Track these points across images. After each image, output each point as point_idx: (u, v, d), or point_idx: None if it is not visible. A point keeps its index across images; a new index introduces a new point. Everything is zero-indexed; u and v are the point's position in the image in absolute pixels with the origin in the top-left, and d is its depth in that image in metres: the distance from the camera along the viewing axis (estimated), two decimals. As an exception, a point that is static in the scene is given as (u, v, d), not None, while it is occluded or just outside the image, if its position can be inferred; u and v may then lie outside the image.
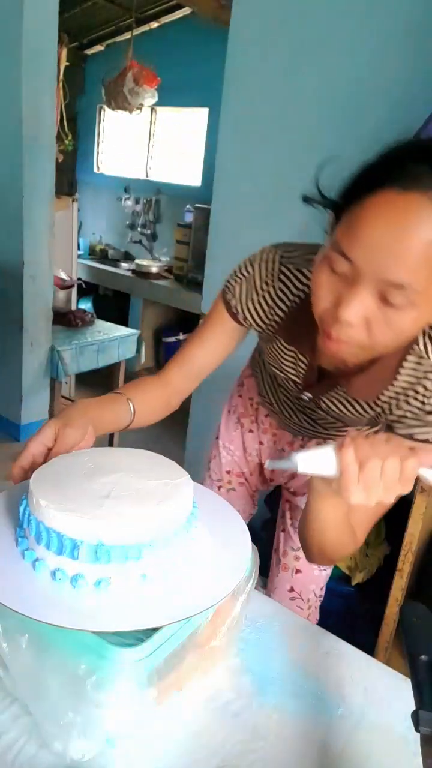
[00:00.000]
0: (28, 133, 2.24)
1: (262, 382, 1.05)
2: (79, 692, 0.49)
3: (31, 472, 0.62)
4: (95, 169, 5.07)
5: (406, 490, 0.61)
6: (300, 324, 0.81)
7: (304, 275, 0.81)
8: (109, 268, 4.39)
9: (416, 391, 0.74)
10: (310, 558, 0.85)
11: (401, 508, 1.03)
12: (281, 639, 0.76)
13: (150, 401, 0.91)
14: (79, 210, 3.31)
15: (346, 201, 0.63)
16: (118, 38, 4.40)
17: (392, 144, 0.62)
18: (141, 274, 4.17)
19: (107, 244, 4.98)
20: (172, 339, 4.35)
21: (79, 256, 3.79)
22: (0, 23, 2.14)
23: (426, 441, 0.74)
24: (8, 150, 2.27)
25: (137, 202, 4.74)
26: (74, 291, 3.23)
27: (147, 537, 0.55)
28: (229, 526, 0.68)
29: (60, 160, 2.94)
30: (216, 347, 0.93)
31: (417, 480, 0.62)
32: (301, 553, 1.06)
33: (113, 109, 3.64)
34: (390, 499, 0.61)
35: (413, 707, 0.50)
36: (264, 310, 0.85)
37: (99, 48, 4.64)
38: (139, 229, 4.78)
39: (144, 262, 4.24)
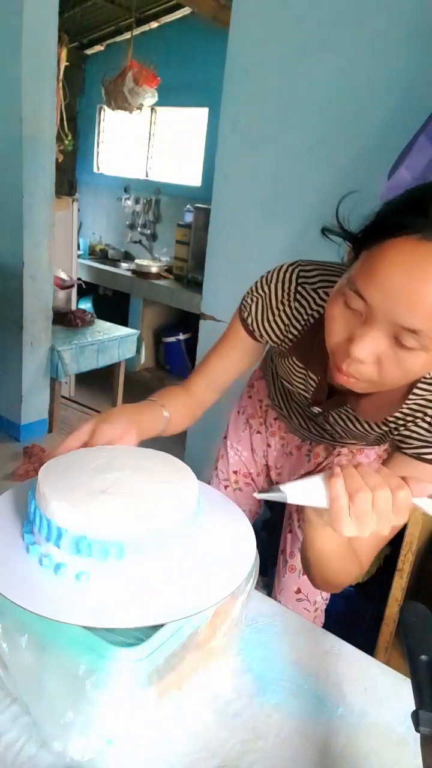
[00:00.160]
0: (28, 133, 2.24)
1: (273, 387, 1.06)
2: (78, 692, 0.49)
3: None
4: (95, 169, 5.07)
5: (401, 521, 0.60)
6: (313, 344, 0.81)
7: (319, 296, 0.81)
8: (109, 268, 4.39)
9: (425, 414, 0.74)
10: (315, 585, 0.83)
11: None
12: (281, 639, 0.76)
13: (180, 410, 0.93)
14: (79, 210, 3.31)
15: (367, 240, 0.62)
16: (118, 38, 4.41)
17: (418, 187, 0.61)
18: (141, 274, 4.17)
19: (107, 244, 4.98)
20: (172, 339, 4.36)
21: (79, 256, 3.80)
22: (0, 23, 2.14)
23: None
24: (8, 150, 2.27)
25: (137, 202, 4.74)
26: (74, 291, 3.23)
27: (137, 534, 0.55)
28: (233, 526, 0.68)
29: (60, 160, 2.94)
30: (236, 362, 0.95)
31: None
32: None
33: (113, 109, 3.64)
34: (385, 530, 0.60)
35: (413, 707, 0.50)
36: (280, 328, 0.86)
37: (99, 48, 4.65)
38: (139, 229, 4.78)
39: (144, 262, 4.25)
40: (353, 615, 1.55)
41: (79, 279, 3.38)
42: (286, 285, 0.83)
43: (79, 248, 3.84)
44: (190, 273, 4.04)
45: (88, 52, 4.73)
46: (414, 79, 1.46)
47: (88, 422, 0.76)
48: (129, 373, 3.91)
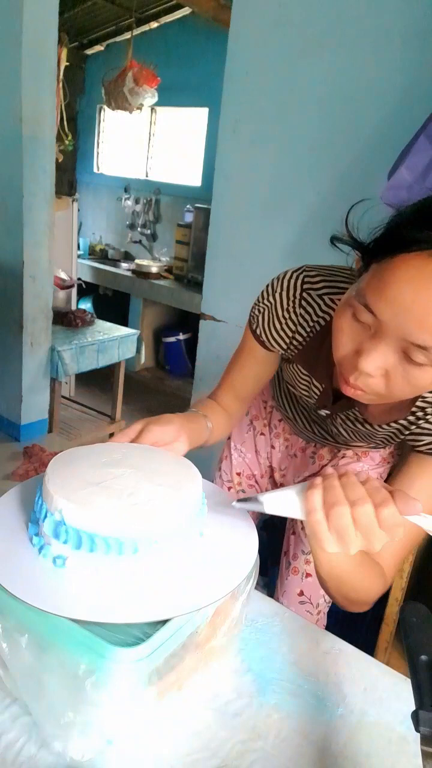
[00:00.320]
0: (28, 133, 2.24)
1: (278, 390, 1.06)
2: (78, 692, 0.49)
3: None
4: (95, 169, 5.07)
5: (394, 537, 0.56)
6: (318, 352, 0.81)
7: (324, 303, 0.80)
8: (109, 268, 4.39)
9: None
10: (341, 606, 0.76)
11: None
12: (281, 639, 0.76)
13: (219, 420, 0.95)
14: (79, 210, 3.31)
15: (377, 252, 0.60)
16: (118, 38, 4.41)
17: (429, 198, 0.59)
18: (141, 274, 4.17)
19: (107, 244, 4.98)
20: (172, 339, 4.36)
21: (79, 256, 3.80)
22: (0, 23, 2.14)
23: None
24: (8, 150, 2.27)
25: (137, 202, 4.74)
26: (74, 291, 3.23)
27: (140, 531, 0.55)
28: (236, 525, 0.68)
29: (60, 160, 2.94)
30: (256, 372, 0.95)
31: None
32: (311, 557, 1.07)
33: (113, 109, 3.64)
34: (376, 547, 0.56)
35: (413, 707, 0.50)
36: (287, 335, 0.85)
37: (99, 48, 4.65)
38: (139, 229, 4.78)
39: (144, 262, 4.25)
40: (353, 615, 1.55)
41: (79, 279, 3.38)
42: (291, 292, 0.82)
43: (79, 248, 3.84)
44: (190, 273, 4.04)
45: (88, 52, 4.73)
46: (414, 79, 1.46)
47: (136, 422, 0.75)
48: (129, 373, 3.91)
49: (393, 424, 0.80)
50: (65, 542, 0.55)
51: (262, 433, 1.18)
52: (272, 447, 1.18)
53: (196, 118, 4.25)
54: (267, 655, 0.73)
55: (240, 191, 1.88)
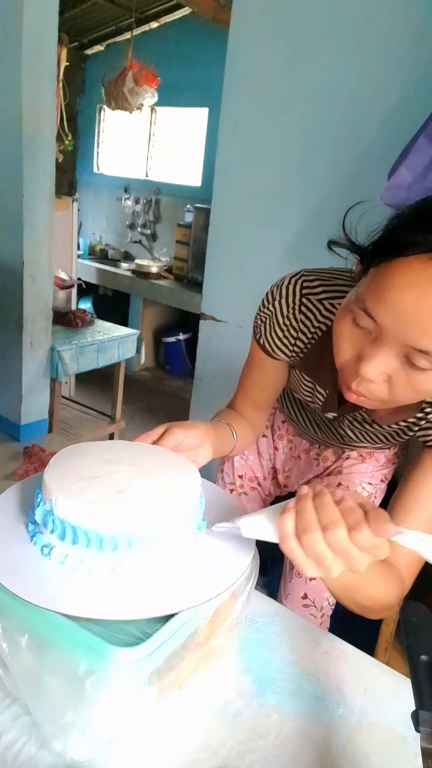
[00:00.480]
0: (28, 133, 2.24)
1: (282, 393, 1.05)
2: (78, 692, 0.49)
3: None
4: (95, 169, 5.07)
5: (379, 556, 0.53)
6: (321, 357, 0.80)
7: (324, 307, 0.80)
8: (109, 268, 4.39)
9: None
10: (362, 614, 0.73)
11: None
12: (281, 639, 0.76)
13: (243, 430, 0.95)
14: (79, 210, 3.31)
15: (376, 255, 0.59)
16: (118, 38, 4.41)
17: (428, 200, 0.58)
18: (141, 274, 4.17)
19: (107, 244, 4.98)
20: (172, 339, 4.36)
21: (79, 256, 3.80)
22: (0, 23, 2.14)
23: None
24: (8, 150, 2.27)
25: (137, 202, 4.74)
26: (74, 291, 3.23)
27: (138, 529, 0.56)
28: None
29: (60, 160, 2.93)
30: (268, 381, 0.95)
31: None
32: None
33: (113, 109, 3.64)
34: (359, 569, 0.53)
35: (413, 707, 0.50)
36: (290, 342, 0.85)
37: (99, 48, 4.65)
38: (139, 229, 4.78)
39: (144, 262, 4.25)
40: (353, 615, 1.55)
41: (79, 279, 3.37)
42: (290, 299, 0.82)
43: (79, 248, 3.84)
44: (190, 273, 4.04)
45: (88, 52, 4.73)
46: (414, 79, 1.46)
47: (160, 425, 0.75)
48: (129, 373, 3.91)
49: (402, 423, 0.80)
50: (52, 532, 0.56)
51: (264, 435, 1.18)
52: (275, 449, 1.18)
53: (196, 118, 4.25)
54: (267, 655, 0.73)
55: (240, 191, 1.88)
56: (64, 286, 2.95)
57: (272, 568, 1.24)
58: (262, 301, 0.87)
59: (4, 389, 2.66)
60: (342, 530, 0.51)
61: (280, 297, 0.83)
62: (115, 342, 2.86)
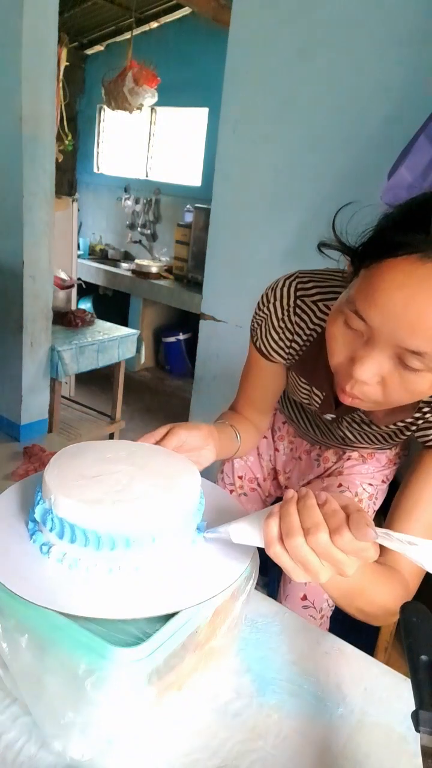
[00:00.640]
0: (28, 133, 2.24)
1: (281, 394, 1.05)
2: (78, 692, 0.49)
3: None
4: (95, 169, 5.07)
5: (367, 559, 0.52)
6: (316, 359, 0.80)
7: (319, 309, 0.80)
8: (109, 268, 4.39)
9: None
10: (365, 621, 0.72)
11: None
12: (281, 639, 0.76)
13: (247, 432, 0.95)
14: (79, 210, 3.31)
15: (366, 256, 0.59)
16: (118, 38, 4.41)
17: (417, 199, 0.57)
18: (141, 274, 4.17)
19: (107, 244, 4.98)
20: (172, 339, 4.36)
21: (79, 256, 3.80)
22: (0, 23, 2.14)
23: None
24: (8, 150, 2.27)
25: (137, 202, 4.74)
26: (74, 291, 3.23)
27: (137, 528, 0.56)
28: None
29: (60, 160, 2.94)
30: (268, 383, 0.95)
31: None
32: None
33: (113, 109, 3.64)
34: (347, 573, 0.52)
35: (413, 707, 0.50)
36: (285, 344, 0.85)
37: (99, 48, 4.65)
38: (139, 229, 4.78)
39: (144, 262, 4.25)
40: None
41: (79, 279, 3.37)
42: (285, 301, 0.82)
43: (79, 248, 3.84)
44: (190, 273, 4.04)
45: (88, 52, 4.73)
46: (414, 79, 1.46)
47: (164, 426, 0.74)
48: (129, 373, 3.91)
49: (399, 423, 0.80)
50: (51, 530, 0.57)
51: (264, 436, 1.17)
52: (276, 450, 1.18)
53: (196, 118, 4.25)
54: (267, 655, 0.73)
55: (240, 191, 1.88)
56: (64, 286, 2.95)
57: (272, 568, 1.24)
58: (258, 303, 0.87)
59: (4, 389, 2.66)
60: (323, 534, 0.50)
61: (275, 299, 0.83)
62: (115, 342, 2.85)
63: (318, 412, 0.90)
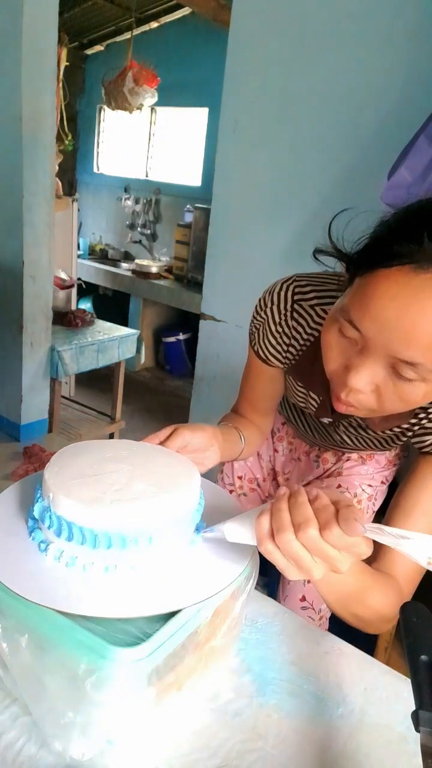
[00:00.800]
0: (28, 133, 2.24)
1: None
2: (79, 692, 0.49)
3: None
4: (95, 169, 5.07)
5: (360, 555, 0.52)
6: (313, 364, 0.80)
7: (317, 313, 0.79)
8: (109, 268, 4.39)
9: None
10: (361, 629, 0.71)
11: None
12: (281, 639, 0.76)
13: (251, 433, 0.95)
14: (79, 210, 3.31)
15: (360, 265, 0.58)
16: (118, 38, 4.41)
17: (411, 207, 0.57)
18: (141, 274, 4.17)
19: (107, 244, 4.98)
20: (172, 339, 4.36)
21: (79, 256, 3.80)
22: (0, 23, 2.14)
23: None
24: (8, 150, 2.27)
25: (137, 202, 4.74)
26: (74, 291, 3.23)
27: (136, 527, 0.56)
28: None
29: (60, 160, 2.94)
30: (268, 387, 0.94)
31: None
32: None
33: (113, 109, 3.64)
34: (341, 569, 0.52)
35: (413, 707, 0.50)
36: (282, 349, 0.85)
37: (99, 48, 4.65)
38: (139, 229, 4.78)
39: (144, 262, 4.25)
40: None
41: (79, 279, 3.37)
42: (282, 305, 0.82)
43: (79, 248, 3.84)
44: (190, 273, 4.04)
45: (88, 52, 4.73)
46: (414, 79, 1.46)
47: (168, 426, 0.74)
48: (129, 373, 3.91)
49: (395, 429, 0.80)
50: (49, 528, 0.57)
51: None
52: (275, 451, 1.18)
53: (196, 118, 4.25)
54: (267, 655, 0.73)
55: (240, 191, 1.88)
56: (64, 286, 2.95)
57: (272, 568, 1.24)
58: (255, 307, 0.86)
59: (4, 389, 2.66)
60: (313, 529, 0.50)
61: (272, 303, 0.82)
62: (115, 342, 2.86)
63: (315, 416, 0.90)
